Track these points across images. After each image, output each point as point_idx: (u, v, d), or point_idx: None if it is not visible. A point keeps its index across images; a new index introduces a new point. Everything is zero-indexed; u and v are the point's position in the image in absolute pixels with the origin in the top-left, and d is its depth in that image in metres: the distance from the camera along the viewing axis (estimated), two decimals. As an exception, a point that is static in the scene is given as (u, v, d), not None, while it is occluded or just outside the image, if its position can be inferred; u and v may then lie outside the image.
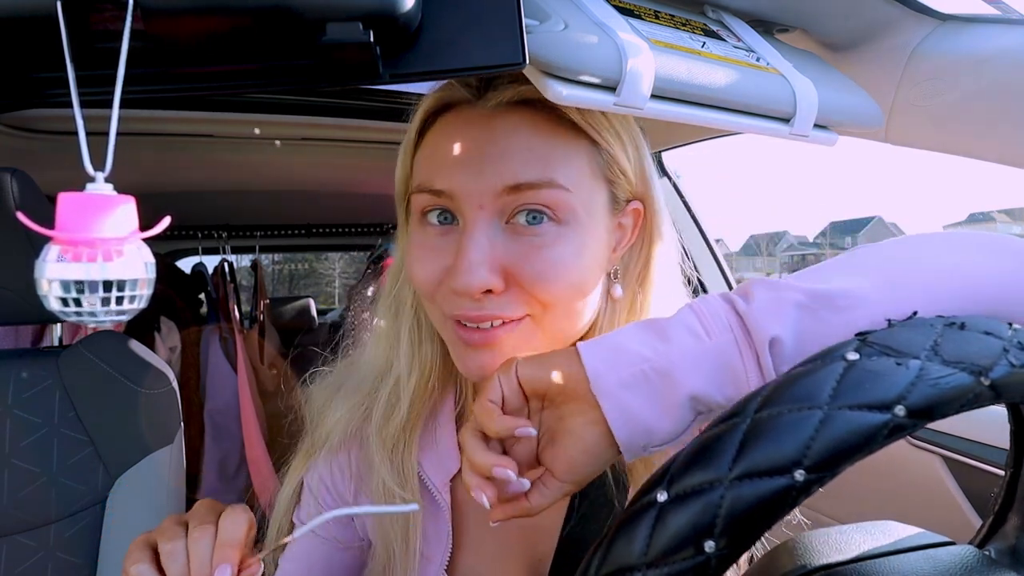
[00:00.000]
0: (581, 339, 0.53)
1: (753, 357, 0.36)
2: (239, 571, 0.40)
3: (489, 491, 0.40)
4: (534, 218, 0.47)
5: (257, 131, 1.31)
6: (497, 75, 0.48)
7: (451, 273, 0.47)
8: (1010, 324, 0.29)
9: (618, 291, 0.54)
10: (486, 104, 0.48)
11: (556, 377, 0.39)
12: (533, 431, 0.40)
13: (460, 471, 0.56)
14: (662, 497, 0.26)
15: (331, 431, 0.61)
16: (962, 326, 0.29)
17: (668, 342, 0.38)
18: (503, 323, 0.48)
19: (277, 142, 1.37)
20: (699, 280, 1.46)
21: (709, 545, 0.25)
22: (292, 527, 0.64)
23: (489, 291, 0.47)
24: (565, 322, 0.50)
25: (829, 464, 0.25)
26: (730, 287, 1.46)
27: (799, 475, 0.25)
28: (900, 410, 0.26)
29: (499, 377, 0.41)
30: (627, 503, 0.28)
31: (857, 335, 0.29)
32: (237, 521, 0.41)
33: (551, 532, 0.56)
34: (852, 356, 0.28)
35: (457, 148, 0.48)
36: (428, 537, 0.57)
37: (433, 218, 0.50)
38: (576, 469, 0.40)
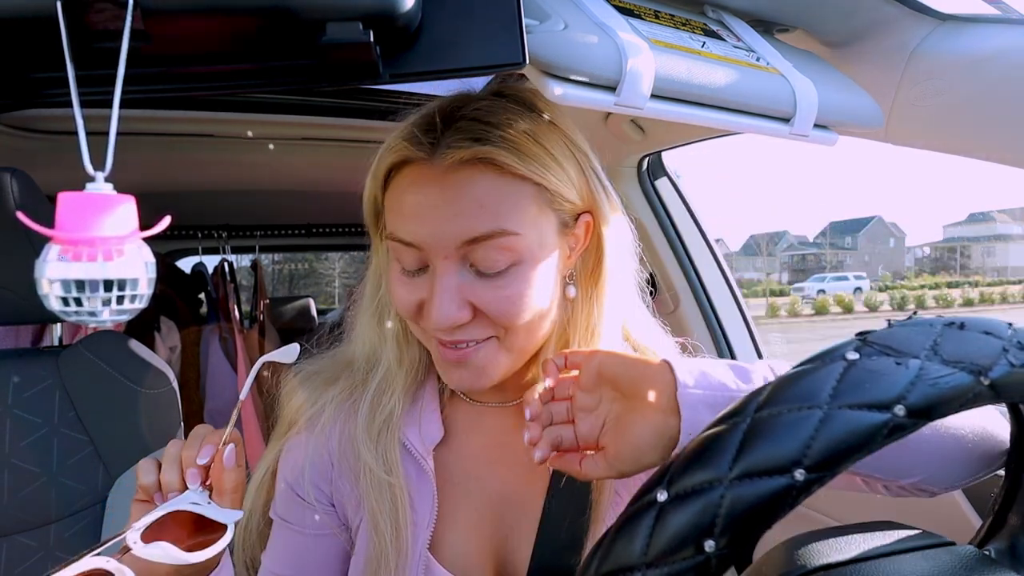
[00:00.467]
0: (544, 342, 0.60)
1: None
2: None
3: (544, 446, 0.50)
4: (493, 264, 0.53)
5: (250, 133, 1.31)
6: (447, 134, 0.53)
7: (426, 311, 0.54)
8: (1009, 324, 0.29)
9: (572, 291, 0.60)
10: (442, 161, 0.53)
11: (632, 377, 0.46)
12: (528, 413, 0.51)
13: (442, 441, 0.62)
14: (662, 497, 0.26)
15: (305, 411, 0.64)
16: (961, 326, 0.28)
17: (751, 384, 0.44)
18: (475, 342, 0.55)
19: (271, 145, 1.37)
20: (699, 279, 1.45)
21: (709, 545, 0.25)
22: (270, 523, 0.65)
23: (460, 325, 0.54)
24: (527, 338, 0.57)
25: (829, 464, 0.25)
26: (731, 288, 1.46)
27: (799, 474, 0.25)
28: (900, 409, 0.26)
29: (583, 361, 0.50)
30: (628, 502, 0.28)
31: (857, 335, 0.29)
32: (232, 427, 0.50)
33: (525, 507, 0.61)
34: (852, 356, 0.28)
35: (417, 205, 0.54)
36: (414, 503, 0.60)
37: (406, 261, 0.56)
38: (622, 459, 0.46)
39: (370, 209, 0.61)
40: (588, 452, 0.49)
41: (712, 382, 0.44)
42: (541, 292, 0.55)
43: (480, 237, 0.52)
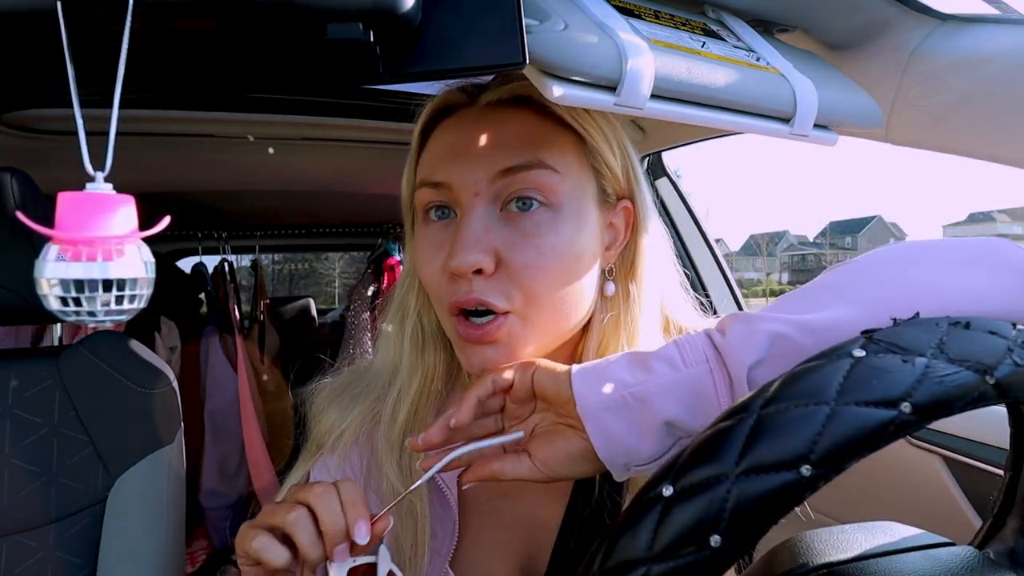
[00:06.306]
0: (579, 339, 0.56)
1: (727, 386, 0.39)
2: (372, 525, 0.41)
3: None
4: (525, 204, 0.50)
5: (251, 138, 1.31)
6: (490, 84, 0.52)
7: (447, 257, 0.50)
8: (1014, 324, 0.29)
9: (610, 288, 0.56)
10: (479, 104, 0.53)
11: (556, 393, 0.44)
12: (453, 421, 0.45)
13: (468, 467, 0.57)
14: (668, 491, 0.26)
15: (333, 431, 0.61)
16: (967, 325, 0.29)
17: (649, 371, 0.41)
18: (494, 316, 0.50)
19: (271, 150, 1.37)
20: (698, 279, 1.45)
21: (715, 540, 0.25)
22: None
23: (480, 271, 0.49)
24: (553, 316, 0.51)
25: (836, 460, 0.25)
26: (730, 287, 1.46)
27: (806, 470, 0.25)
28: (906, 407, 0.26)
29: (516, 370, 0.47)
30: (633, 497, 0.28)
31: (863, 332, 0.29)
32: (354, 485, 0.43)
33: (549, 527, 0.58)
34: (859, 353, 0.28)
35: (451, 145, 0.52)
36: (435, 529, 0.58)
37: (433, 215, 0.53)
38: (552, 466, 0.44)
39: (407, 185, 0.57)
40: (509, 454, 0.46)
41: (611, 383, 0.42)
42: (575, 258, 0.51)
43: (516, 168, 0.49)
